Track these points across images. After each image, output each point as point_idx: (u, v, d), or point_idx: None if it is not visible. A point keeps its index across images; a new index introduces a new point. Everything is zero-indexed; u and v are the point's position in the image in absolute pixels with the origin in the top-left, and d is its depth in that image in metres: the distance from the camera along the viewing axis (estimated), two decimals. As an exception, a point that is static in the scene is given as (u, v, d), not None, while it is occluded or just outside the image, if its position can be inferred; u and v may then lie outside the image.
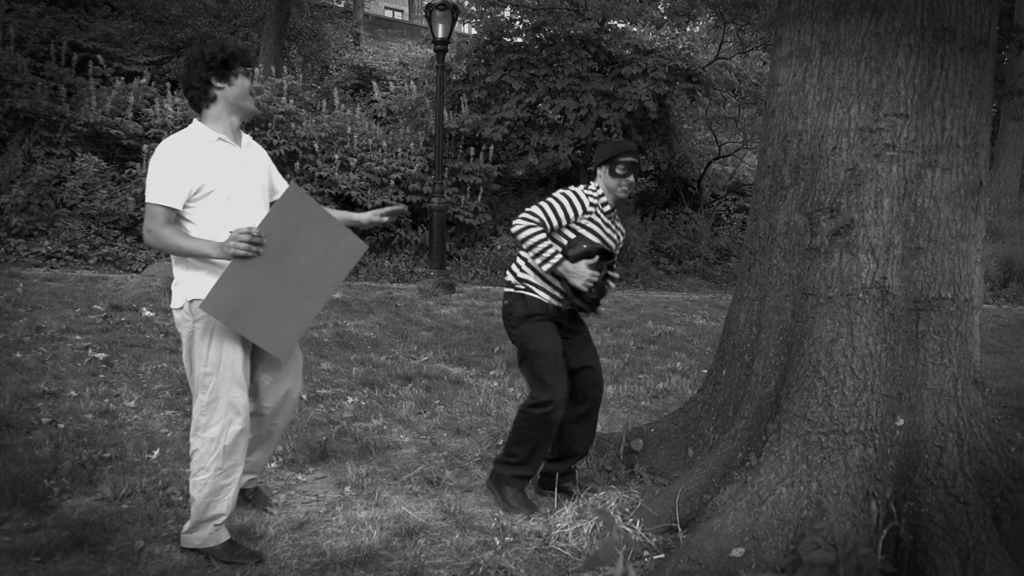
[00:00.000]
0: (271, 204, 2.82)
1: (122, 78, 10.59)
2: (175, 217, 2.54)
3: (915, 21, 2.91)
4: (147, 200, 2.52)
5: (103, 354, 5.00)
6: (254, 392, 2.92)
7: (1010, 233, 13.88)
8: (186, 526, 2.73)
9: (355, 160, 10.25)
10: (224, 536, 2.73)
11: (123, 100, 9.87)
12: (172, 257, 2.68)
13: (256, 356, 2.87)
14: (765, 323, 3.26)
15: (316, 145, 10.09)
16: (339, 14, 19.22)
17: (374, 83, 13.28)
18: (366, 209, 9.97)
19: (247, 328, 2.60)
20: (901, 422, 2.84)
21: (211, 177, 2.57)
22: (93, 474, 3.30)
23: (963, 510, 2.68)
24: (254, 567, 2.70)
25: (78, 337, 5.42)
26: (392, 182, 10.31)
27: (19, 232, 8.29)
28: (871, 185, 2.95)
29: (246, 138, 2.80)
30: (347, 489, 3.42)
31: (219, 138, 2.65)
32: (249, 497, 3.15)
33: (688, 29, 15.99)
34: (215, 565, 2.70)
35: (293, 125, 10.16)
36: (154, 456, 3.57)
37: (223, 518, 2.71)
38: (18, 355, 4.86)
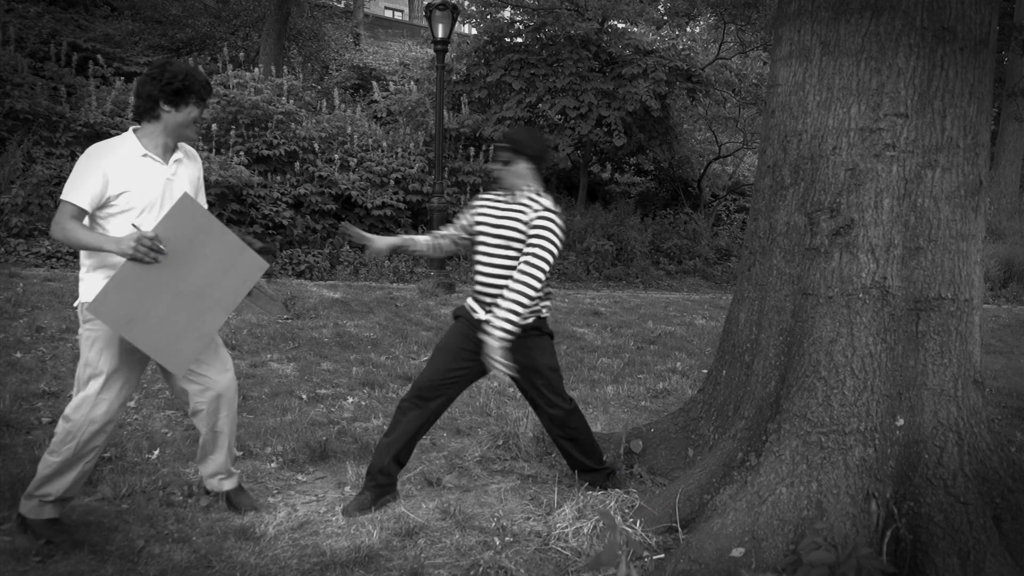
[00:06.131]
0: None
1: (122, 78, 10.59)
2: (82, 216, 2.62)
3: (915, 21, 2.91)
4: (61, 196, 2.62)
5: (103, 354, 5.00)
6: (183, 393, 2.95)
7: (1010, 233, 13.87)
8: (26, 491, 2.81)
9: (355, 160, 10.25)
10: (47, 514, 2.79)
11: (123, 100, 9.86)
12: (80, 257, 2.77)
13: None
14: (765, 323, 3.26)
15: (316, 145, 10.09)
16: (339, 14, 19.21)
17: (374, 83, 13.28)
18: (366, 209, 10.04)
19: (140, 338, 2.61)
20: (901, 422, 2.84)
21: (127, 191, 2.66)
22: (93, 474, 3.30)
23: (963, 510, 2.68)
24: (253, 567, 2.70)
25: (78, 337, 5.42)
26: (392, 182, 10.31)
27: (19, 232, 8.29)
28: (871, 185, 2.95)
29: (177, 154, 2.83)
30: (347, 489, 3.41)
31: (144, 154, 2.71)
32: (233, 502, 3.11)
33: (688, 29, 15.99)
34: (215, 565, 2.70)
35: (293, 125, 10.16)
36: (154, 456, 3.57)
37: (51, 497, 2.77)
38: (18, 355, 4.86)
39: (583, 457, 3.41)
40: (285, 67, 12.84)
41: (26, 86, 9.29)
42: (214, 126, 9.45)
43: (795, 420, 2.91)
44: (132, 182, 2.66)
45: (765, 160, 3.37)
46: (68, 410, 2.75)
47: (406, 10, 31.50)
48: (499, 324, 2.99)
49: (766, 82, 6.65)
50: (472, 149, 11.41)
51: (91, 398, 2.73)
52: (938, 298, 2.90)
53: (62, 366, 4.76)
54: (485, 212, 3.23)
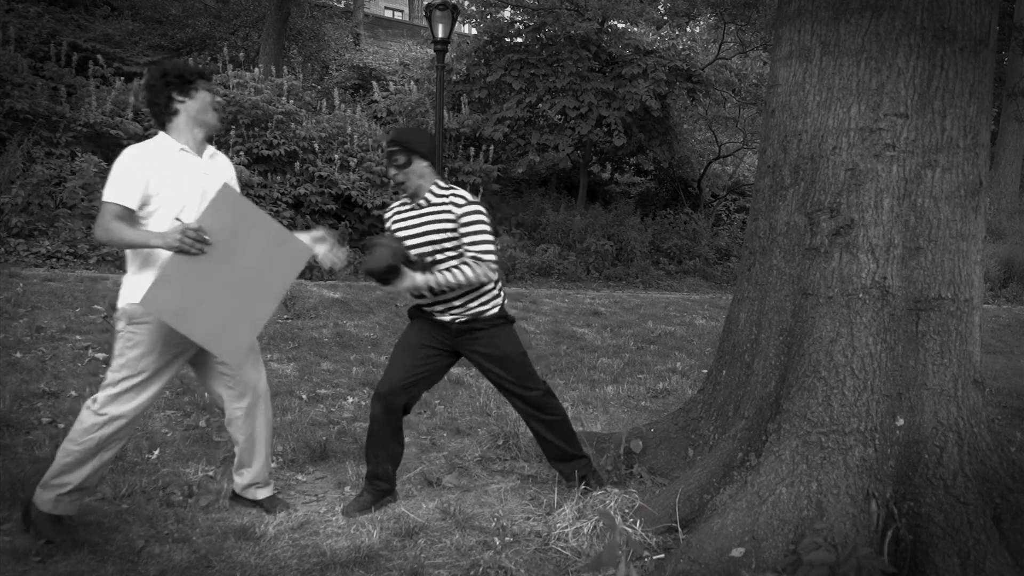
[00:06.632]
0: None
1: (122, 78, 10.59)
2: (126, 216, 2.64)
3: (915, 21, 2.91)
4: (103, 199, 2.64)
5: (103, 354, 5.00)
6: (219, 400, 3.00)
7: (1010, 233, 13.87)
8: (41, 481, 2.78)
9: (355, 160, 10.26)
10: (61, 509, 2.76)
11: (123, 100, 9.87)
12: (127, 259, 2.79)
13: (208, 366, 2.92)
14: (765, 323, 3.26)
15: (316, 145, 10.09)
16: (339, 14, 19.21)
17: (374, 83, 13.28)
18: (366, 209, 10.04)
19: (193, 330, 2.61)
20: (901, 422, 2.84)
21: (167, 185, 2.69)
22: (93, 474, 3.30)
23: (963, 510, 2.68)
24: (253, 567, 2.70)
25: (78, 337, 5.42)
26: (392, 182, 10.32)
27: (19, 232, 8.29)
28: (871, 185, 2.95)
29: (210, 150, 2.90)
30: (347, 489, 3.42)
31: (181, 148, 2.76)
32: (267, 508, 3.15)
33: (688, 29, 16.00)
34: (215, 565, 2.70)
35: (293, 125, 10.16)
36: (154, 456, 3.57)
37: (68, 487, 2.74)
38: (18, 355, 4.86)
39: (564, 443, 3.38)
40: (285, 67, 12.84)
41: (26, 86, 9.29)
42: (214, 126, 9.44)
43: (795, 420, 2.91)
44: (171, 177, 2.70)
45: (765, 160, 3.37)
46: (98, 403, 2.73)
47: (406, 10, 31.50)
48: (429, 280, 3.04)
49: (766, 82, 6.66)
50: (472, 149, 11.42)
51: (123, 396, 2.73)
52: (938, 298, 2.90)
53: (62, 366, 4.76)
54: (404, 226, 3.26)
